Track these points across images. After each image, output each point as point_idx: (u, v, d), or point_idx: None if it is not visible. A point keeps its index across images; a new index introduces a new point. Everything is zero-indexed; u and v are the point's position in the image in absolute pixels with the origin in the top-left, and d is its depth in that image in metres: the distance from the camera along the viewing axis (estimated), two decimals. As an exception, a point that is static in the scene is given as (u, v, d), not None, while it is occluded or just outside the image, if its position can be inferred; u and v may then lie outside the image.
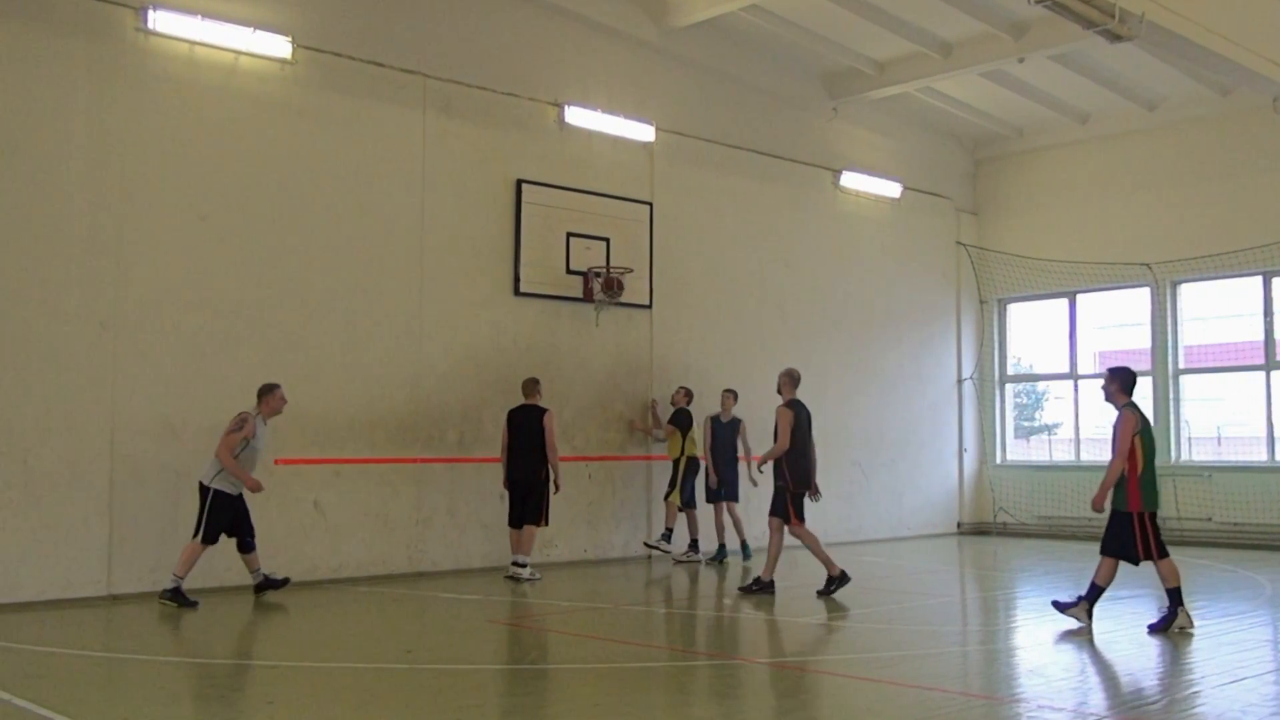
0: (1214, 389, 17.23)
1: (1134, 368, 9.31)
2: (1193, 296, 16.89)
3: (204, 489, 9.78)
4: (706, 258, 14.93)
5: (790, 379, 10.98)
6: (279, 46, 11.26)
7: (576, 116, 13.58)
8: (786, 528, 10.69)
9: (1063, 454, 18.60)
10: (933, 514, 17.74)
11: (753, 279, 15.47)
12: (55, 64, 10.11)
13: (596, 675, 7.31)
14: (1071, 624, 8.89)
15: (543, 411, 11.70)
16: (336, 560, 11.48)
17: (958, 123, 17.97)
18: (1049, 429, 20.39)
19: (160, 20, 10.57)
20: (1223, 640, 8.53)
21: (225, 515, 9.80)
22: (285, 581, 10.41)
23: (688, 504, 13.49)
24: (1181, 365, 16.76)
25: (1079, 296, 17.83)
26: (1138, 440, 8.74)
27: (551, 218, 13.22)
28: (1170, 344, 16.70)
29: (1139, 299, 17.14)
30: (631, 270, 13.72)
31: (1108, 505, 8.90)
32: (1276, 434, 15.82)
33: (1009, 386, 18.90)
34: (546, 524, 11.77)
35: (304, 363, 11.31)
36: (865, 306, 16.94)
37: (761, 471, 11.21)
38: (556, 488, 11.73)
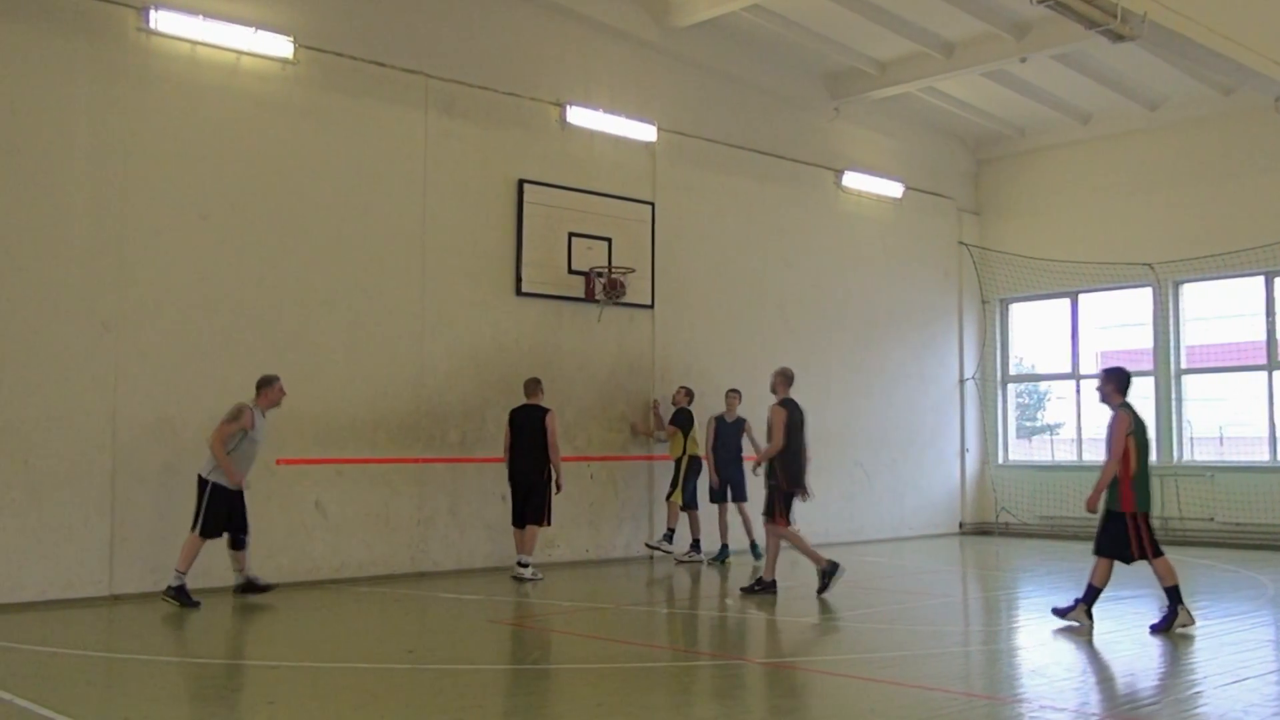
0: (1216, 389, 17.22)
1: (1136, 368, 9.32)
2: (1195, 296, 16.88)
3: (202, 482, 9.77)
4: (708, 258, 14.93)
5: (784, 378, 10.93)
6: (281, 46, 11.26)
7: (578, 116, 13.58)
8: (769, 526, 10.66)
9: (1065, 454, 18.60)
10: (935, 514, 17.73)
11: (755, 279, 15.46)
12: (57, 64, 10.11)
13: (598, 675, 7.31)
14: (1073, 625, 8.88)
15: (545, 411, 11.69)
16: (338, 560, 11.48)
17: (960, 123, 17.96)
18: (1051, 429, 20.40)
19: (162, 20, 10.57)
20: (1225, 640, 8.52)
21: (223, 508, 9.79)
22: (270, 588, 10.26)
23: (689, 504, 13.47)
24: (1183, 365, 16.74)
25: (1081, 296, 17.81)
26: (1131, 441, 8.74)
27: (553, 218, 13.22)
28: (1172, 344, 16.69)
29: (1141, 299, 17.12)
30: (633, 270, 13.72)
31: (1101, 505, 8.90)
32: (1279, 434, 15.80)
33: (1011, 386, 18.89)
34: (549, 524, 11.78)
35: (306, 363, 11.31)
36: (867, 306, 16.93)
37: (756, 473, 11.15)
38: (558, 488, 11.72)
